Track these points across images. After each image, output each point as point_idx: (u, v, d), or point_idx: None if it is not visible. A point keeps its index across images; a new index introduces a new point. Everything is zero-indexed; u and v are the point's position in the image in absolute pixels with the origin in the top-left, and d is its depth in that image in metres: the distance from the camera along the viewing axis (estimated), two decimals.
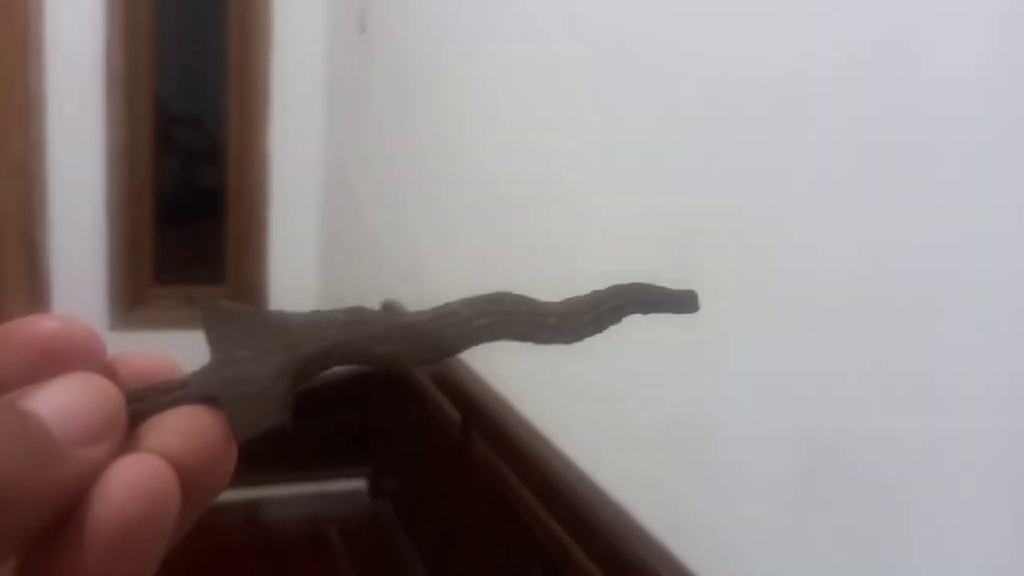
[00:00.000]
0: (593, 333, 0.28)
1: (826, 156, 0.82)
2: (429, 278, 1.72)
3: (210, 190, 2.49)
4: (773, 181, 0.88)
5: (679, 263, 1.00)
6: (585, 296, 0.29)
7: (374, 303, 1.82)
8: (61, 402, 0.20)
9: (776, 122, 0.87)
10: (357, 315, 0.25)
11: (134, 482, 0.20)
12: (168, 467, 0.21)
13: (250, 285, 2.45)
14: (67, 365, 0.22)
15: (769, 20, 0.88)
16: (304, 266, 2.45)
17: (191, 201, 2.56)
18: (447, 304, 0.26)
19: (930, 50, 0.72)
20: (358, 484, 1.82)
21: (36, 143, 2.19)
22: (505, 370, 1.36)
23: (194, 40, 2.46)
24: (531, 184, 1.35)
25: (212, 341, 0.24)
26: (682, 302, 0.30)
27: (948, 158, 0.70)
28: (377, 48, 2.04)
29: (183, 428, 0.22)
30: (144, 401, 0.22)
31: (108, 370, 0.23)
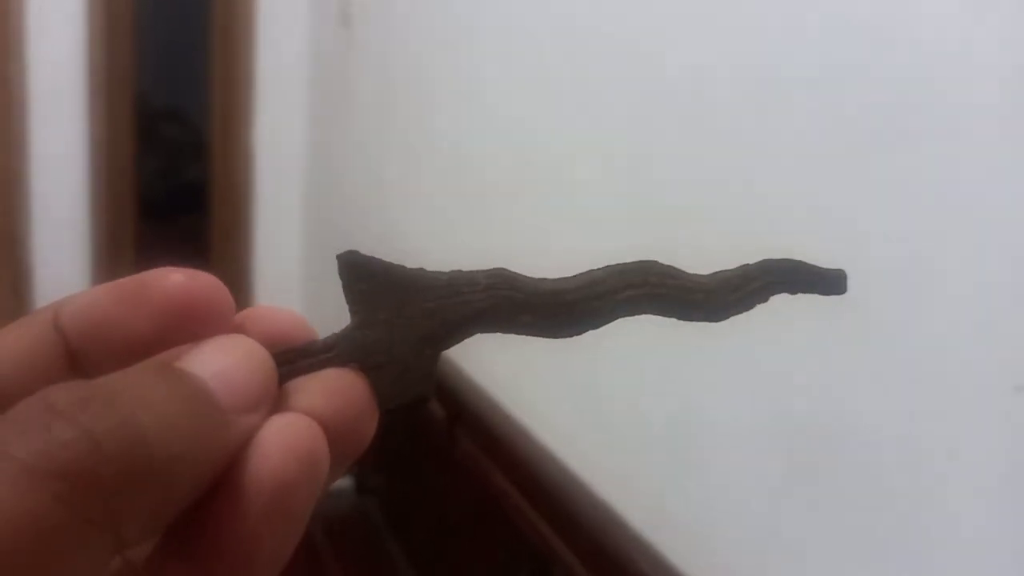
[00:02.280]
0: (739, 312, 0.27)
1: (809, 144, 0.82)
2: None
3: (193, 185, 2.47)
4: (756, 169, 0.88)
5: (663, 254, 0.99)
6: (733, 271, 0.28)
7: None
8: (220, 367, 0.19)
9: (759, 110, 0.87)
10: (499, 278, 0.25)
11: (292, 442, 0.19)
12: (320, 428, 0.20)
13: (235, 280, 2.44)
14: (196, 322, 0.21)
15: (751, 8, 0.88)
16: (289, 260, 2.44)
17: (174, 196, 2.55)
18: (592, 271, 0.26)
19: (909, 39, 0.72)
20: (343, 482, 1.82)
21: (17, 138, 2.17)
22: (491, 367, 1.36)
23: (176, 35, 2.44)
24: (515, 175, 1.34)
25: (352, 300, 0.23)
26: (832, 283, 0.28)
27: (930, 145, 0.71)
28: (360, 42, 2.03)
29: (329, 391, 0.21)
30: (289, 364, 0.22)
31: (238, 328, 0.22)
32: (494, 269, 0.25)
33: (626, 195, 1.08)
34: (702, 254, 0.97)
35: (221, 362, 0.19)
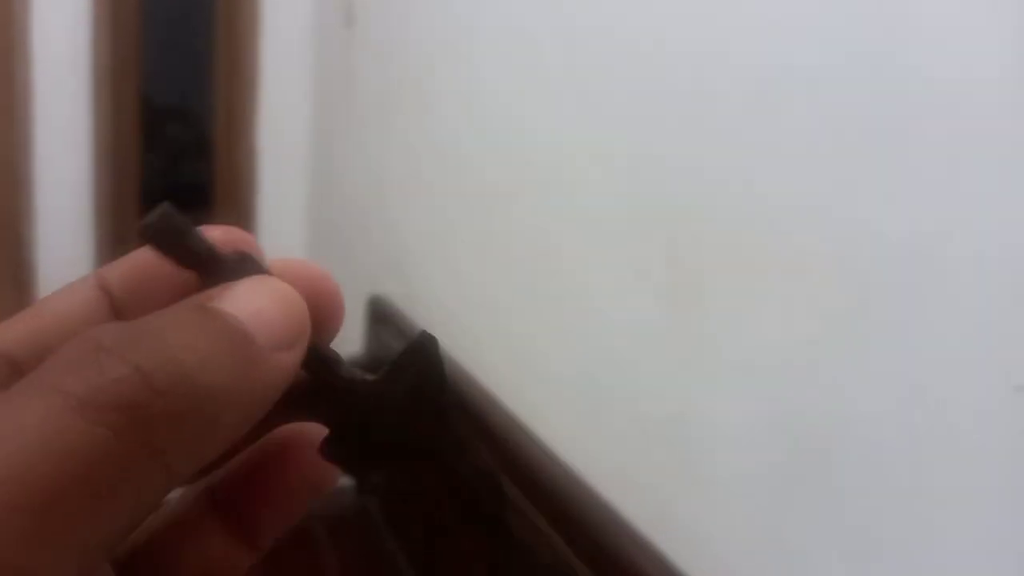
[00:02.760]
0: None
1: (810, 144, 0.82)
2: (416, 272, 1.72)
3: (197, 184, 2.48)
4: (757, 171, 0.88)
5: (662, 254, 1.00)
6: None
7: (362, 298, 1.82)
8: (255, 307, 0.20)
9: (760, 110, 0.87)
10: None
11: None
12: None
13: None
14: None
15: (753, 7, 0.89)
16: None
17: (178, 195, 2.55)
18: None
19: (913, 38, 0.72)
20: (344, 481, 1.81)
21: (22, 137, 2.18)
22: (489, 364, 1.36)
23: (181, 34, 2.44)
24: (516, 174, 1.35)
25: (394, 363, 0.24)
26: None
27: (934, 144, 0.71)
28: (364, 41, 2.03)
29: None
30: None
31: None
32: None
33: (627, 195, 1.09)
34: (703, 253, 0.97)
35: (255, 302, 0.20)
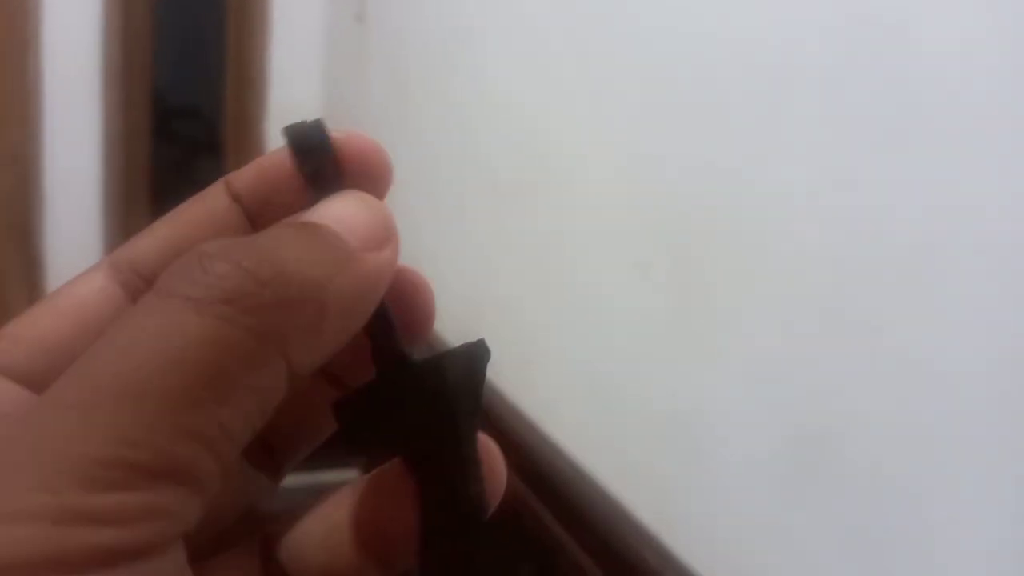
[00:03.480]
0: None
1: (814, 139, 0.82)
2: (426, 267, 1.72)
3: (207, 181, 2.48)
4: (762, 166, 0.88)
5: (670, 251, 1.00)
6: None
7: None
8: (339, 214, 0.21)
9: (768, 106, 0.87)
10: None
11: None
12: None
13: None
14: (363, 175, 0.24)
15: (760, 4, 0.89)
16: None
17: (188, 192, 2.55)
18: None
19: (918, 29, 0.72)
20: (351, 475, 1.82)
21: (33, 132, 2.19)
22: (496, 358, 1.36)
23: (192, 31, 2.45)
24: (527, 171, 1.35)
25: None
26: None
27: (937, 140, 0.71)
28: (375, 39, 2.04)
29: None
30: None
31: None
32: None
33: (635, 191, 1.09)
34: (708, 249, 0.98)
35: (344, 210, 0.22)
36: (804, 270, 0.83)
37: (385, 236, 0.22)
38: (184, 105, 2.53)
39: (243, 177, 0.25)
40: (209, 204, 0.25)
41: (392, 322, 0.23)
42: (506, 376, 1.36)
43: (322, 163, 0.24)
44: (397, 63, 1.93)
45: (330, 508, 0.25)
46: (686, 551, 0.97)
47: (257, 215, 0.24)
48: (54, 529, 0.16)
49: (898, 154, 0.74)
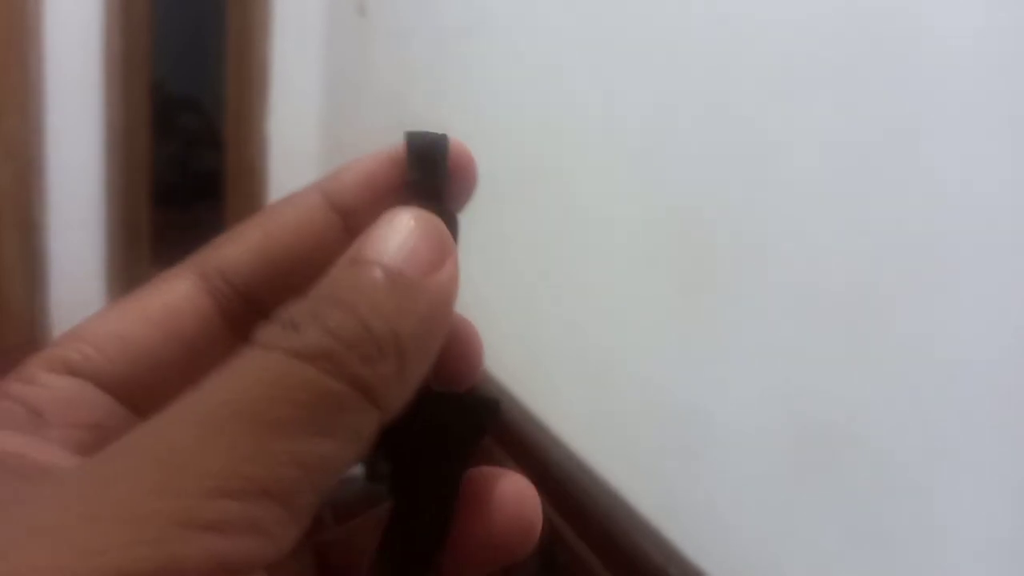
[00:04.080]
0: None
1: (820, 144, 0.82)
2: None
3: (208, 173, 2.48)
4: (770, 166, 0.88)
5: (676, 250, 1.00)
6: None
7: None
8: (397, 242, 0.22)
9: (774, 109, 0.87)
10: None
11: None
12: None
13: None
14: (460, 179, 0.25)
15: (767, 6, 0.88)
16: None
17: (189, 184, 2.56)
18: None
19: (928, 34, 0.72)
20: (354, 470, 1.82)
21: (34, 125, 2.18)
22: (499, 352, 1.36)
23: (193, 23, 2.45)
24: (531, 166, 1.35)
25: None
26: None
27: (947, 134, 0.71)
28: (377, 31, 2.03)
29: None
30: None
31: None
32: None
33: (644, 186, 1.09)
34: (716, 246, 0.98)
35: (397, 238, 0.22)
36: (812, 264, 0.83)
37: (442, 253, 0.22)
38: (185, 98, 2.52)
39: (342, 181, 0.25)
40: (303, 211, 0.25)
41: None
42: (510, 372, 1.36)
43: (433, 176, 0.24)
44: (399, 56, 1.92)
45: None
46: (687, 543, 0.97)
47: (357, 222, 0.25)
48: (176, 531, 0.17)
49: (908, 147, 0.74)
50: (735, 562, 0.93)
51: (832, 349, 0.81)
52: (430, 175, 0.24)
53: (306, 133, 2.41)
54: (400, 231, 0.22)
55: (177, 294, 0.24)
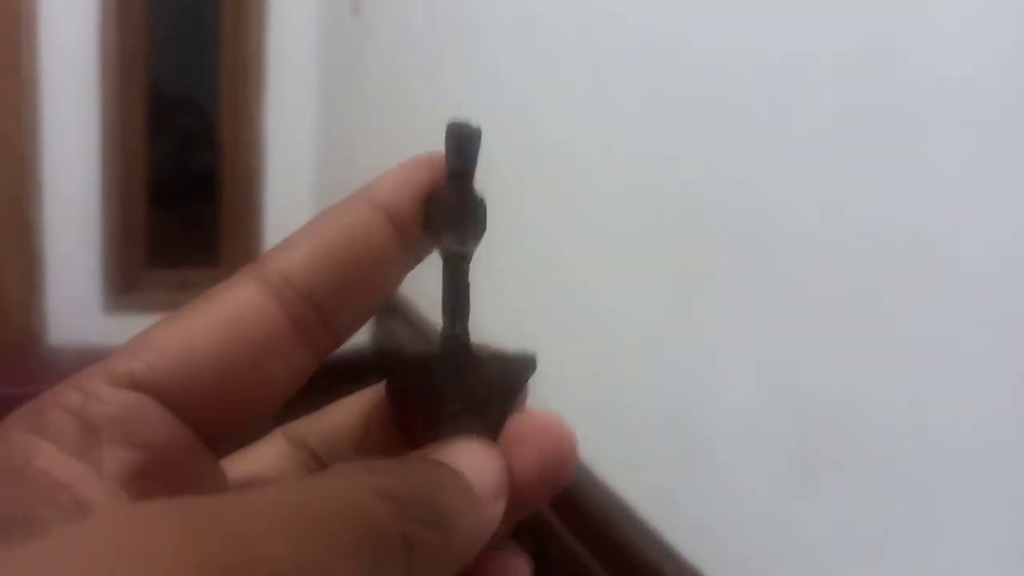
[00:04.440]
0: None
1: (820, 139, 0.82)
2: (425, 263, 1.72)
3: (204, 173, 2.48)
4: (768, 164, 0.88)
5: (674, 246, 1.00)
6: None
7: None
8: (474, 463, 0.23)
9: (771, 105, 0.87)
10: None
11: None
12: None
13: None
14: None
15: (766, 3, 0.89)
16: None
17: (185, 184, 2.55)
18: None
19: (924, 31, 0.72)
20: None
21: (29, 125, 2.18)
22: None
23: (188, 22, 2.44)
24: (526, 167, 1.35)
25: None
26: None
27: (941, 137, 0.71)
28: (372, 31, 2.03)
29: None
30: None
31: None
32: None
33: (640, 187, 1.09)
34: (711, 246, 0.98)
35: (474, 459, 0.23)
36: (808, 265, 0.83)
37: (502, 488, 0.24)
38: (181, 97, 2.52)
39: (389, 185, 0.26)
40: (351, 213, 0.26)
41: (466, 304, 0.26)
42: None
43: (467, 162, 0.26)
44: (394, 56, 1.92)
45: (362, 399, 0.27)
46: (684, 543, 0.98)
47: (404, 221, 0.25)
48: None
49: (904, 151, 0.74)
50: (732, 561, 0.93)
51: (831, 347, 0.81)
52: (464, 161, 0.26)
53: (302, 133, 2.41)
54: (477, 455, 0.24)
55: (242, 301, 0.23)
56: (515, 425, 0.25)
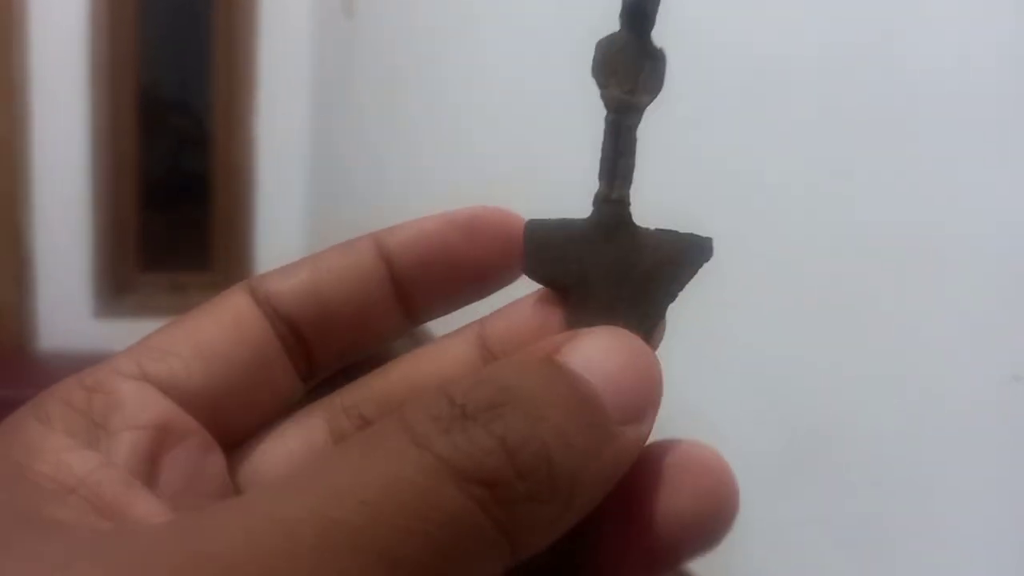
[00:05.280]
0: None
1: (807, 134, 0.82)
2: None
3: (196, 175, 2.47)
4: (756, 167, 0.88)
5: None
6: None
7: None
8: (608, 370, 0.18)
9: (759, 105, 0.87)
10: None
11: (706, 485, 0.19)
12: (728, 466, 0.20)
13: (236, 272, 2.44)
14: (509, 256, 0.24)
15: (755, 2, 0.89)
16: (290, 252, 2.41)
17: (176, 186, 2.55)
18: None
19: (913, 30, 0.72)
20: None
21: (19, 127, 2.17)
22: None
23: (180, 24, 2.44)
24: (520, 170, 1.35)
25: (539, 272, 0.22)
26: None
27: (935, 136, 0.71)
28: (364, 33, 2.03)
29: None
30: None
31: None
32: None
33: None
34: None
35: (609, 365, 0.19)
36: (800, 267, 0.83)
37: (650, 403, 0.19)
38: (172, 99, 2.51)
39: (396, 237, 0.25)
40: (355, 257, 0.24)
41: (630, 166, 0.21)
42: None
43: (646, 8, 0.22)
44: (386, 57, 1.92)
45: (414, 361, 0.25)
46: None
47: (403, 277, 0.24)
48: None
49: (895, 151, 0.74)
50: (724, 564, 0.93)
51: (823, 353, 0.81)
52: (644, 9, 0.21)
53: (294, 134, 2.41)
54: (619, 358, 0.19)
55: (242, 308, 0.23)
56: (662, 453, 0.20)
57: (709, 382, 0.95)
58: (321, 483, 0.16)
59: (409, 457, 0.16)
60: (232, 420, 0.23)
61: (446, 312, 0.26)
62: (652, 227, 0.22)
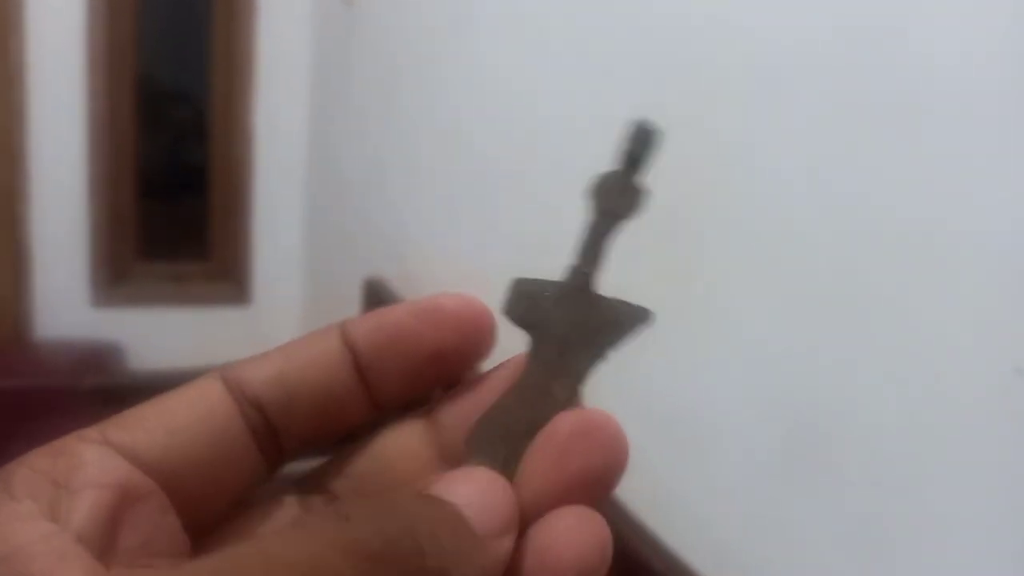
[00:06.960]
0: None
1: (813, 123, 0.82)
2: (414, 255, 1.72)
3: (194, 166, 2.47)
4: (760, 158, 0.88)
5: (666, 242, 0.99)
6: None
7: (359, 280, 1.82)
8: (472, 496, 0.22)
9: (764, 96, 0.87)
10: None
11: (584, 548, 0.22)
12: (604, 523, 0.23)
13: (234, 261, 2.44)
14: (471, 341, 0.26)
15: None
16: (289, 242, 2.44)
17: (175, 177, 2.54)
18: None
19: (918, 18, 0.72)
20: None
21: (18, 117, 2.17)
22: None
23: (178, 15, 2.43)
24: (520, 161, 1.34)
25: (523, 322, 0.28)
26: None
27: (937, 128, 0.71)
28: (363, 23, 2.02)
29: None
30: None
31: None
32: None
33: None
34: (702, 237, 0.97)
35: (472, 492, 0.22)
36: (802, 260, 0.83)
37: (510, 522, 0.22)
38: (171, 90, 2.51)
39: (360, 326, 0.26)
40: (322, 345, 0.26)
41: (600, 254, 0.27)
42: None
43: (641, 156, 0.29)
44: (385, 48, 1.92)
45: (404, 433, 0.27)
46: (674, 538, 0.97)
47: (368, 365, 0.25)
48: None
49: (899, 142, 0.74)
50: (723, 558, 0.93)
51: (825, 347, 0.81)
52: (641, 148, 0.29)
53: (292, 125, 2.40)
54: (476, 486, 0.22)
55: (211, 390, 0.25)
56: (566, 420, 0.25)
57: (709, 376, 0.95)
58: (253, 551, 0.19)
59: (315, 538, 0.19)
60: (193, 493, 0.24)
61: (415, 401, 0.27)
62: (609, 296, 0.27)
